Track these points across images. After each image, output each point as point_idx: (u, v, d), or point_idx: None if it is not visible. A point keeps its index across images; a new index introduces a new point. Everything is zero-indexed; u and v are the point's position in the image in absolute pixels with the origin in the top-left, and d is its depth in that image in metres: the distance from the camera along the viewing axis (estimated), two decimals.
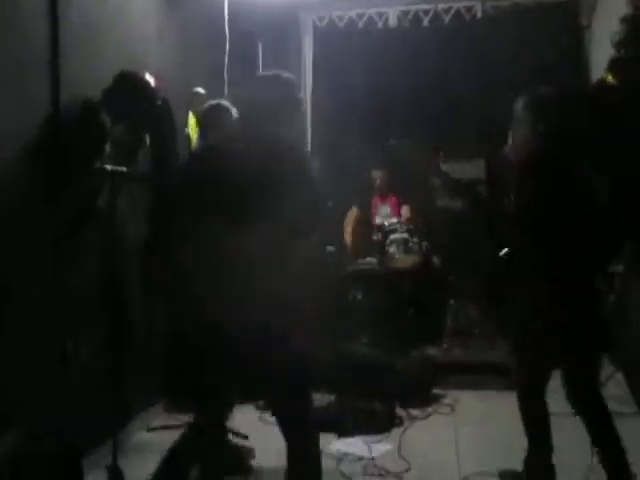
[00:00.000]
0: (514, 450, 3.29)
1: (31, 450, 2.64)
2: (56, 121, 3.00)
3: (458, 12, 5.92)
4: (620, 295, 4.24)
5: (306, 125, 4.69)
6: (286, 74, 2.52)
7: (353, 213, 5.49)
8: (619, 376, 3.92)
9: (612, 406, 3.79)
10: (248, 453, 3.38)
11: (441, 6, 5.91)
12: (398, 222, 4.94)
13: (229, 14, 4.55)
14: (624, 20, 3.95)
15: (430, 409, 3.95)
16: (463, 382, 3.89)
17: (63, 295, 2.99)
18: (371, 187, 5.69)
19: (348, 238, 5.32)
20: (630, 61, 3.94)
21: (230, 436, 3.42)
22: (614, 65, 4.06)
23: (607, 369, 4.09)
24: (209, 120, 3.37)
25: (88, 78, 3.21)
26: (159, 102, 3.47)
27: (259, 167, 2.29)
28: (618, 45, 4.02)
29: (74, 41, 3.09)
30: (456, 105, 5.23)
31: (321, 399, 4.01)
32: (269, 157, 2.31)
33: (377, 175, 5.60)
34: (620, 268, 4.17)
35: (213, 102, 3.45)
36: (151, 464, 3.20)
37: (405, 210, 5.19)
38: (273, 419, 3.79)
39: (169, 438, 3.32)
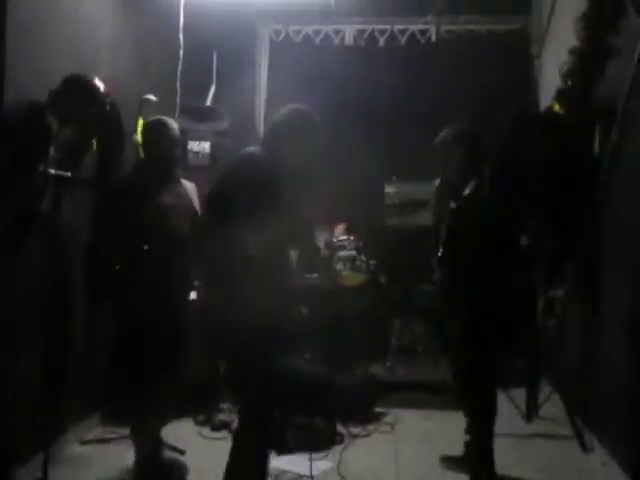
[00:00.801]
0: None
1: None
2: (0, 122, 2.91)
3: (413, 34, 6.02)
4: (560, 319, 4.34)
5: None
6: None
7: None
8: (556, 398, 3.99)
9: (549, 428, 3.92)
10: (183, 469, 3.30)
11: (397, 27, 6.00)
12: (347, 239, 4.94)
13: (185, 22, 4.51)
14: (572, 52, 4.07)
15: (371, 427, 3.94)
16: (405, 400, 3.90)
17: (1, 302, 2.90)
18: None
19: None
20: (576, 92, 4.07)
21: (166, 451, 3.36)
22: (561, 95, 4.18)
23: (545, 390, 4.19)
24: (148, 134, 3.44)
25: (36, 79, 3.13)
26: (107, 107, 3.41)
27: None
28: (565, 76, 4.15)
29: (21, 42, 3.01)
30: (408, 125, 5.28)
31: None
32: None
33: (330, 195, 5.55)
34: (561, 293, 4.27)
35: (154, 118, 3.49)
36: (83, 477, 3.15)
37: (340, 228, 5.14)
38: (212, 434, 3.81)
39: (103, 451, 3.28)
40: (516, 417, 4.00)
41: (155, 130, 3.40)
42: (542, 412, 4.09)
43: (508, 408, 4.02)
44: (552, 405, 4.07)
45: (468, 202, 3.24)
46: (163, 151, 3.36)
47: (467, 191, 3.27)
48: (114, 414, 3.79)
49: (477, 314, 3.16)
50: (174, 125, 3.44)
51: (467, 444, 3.39)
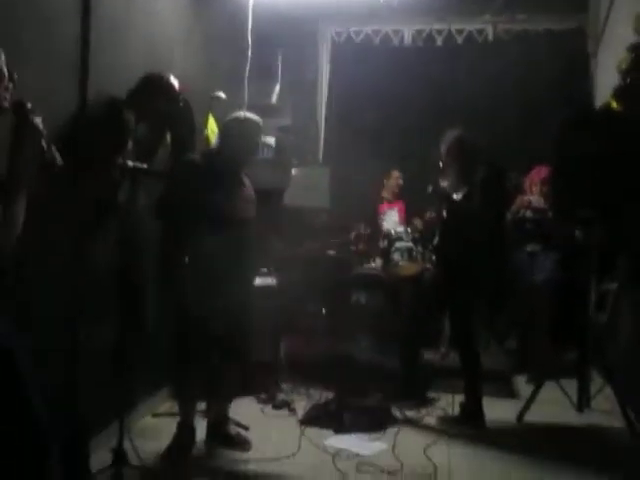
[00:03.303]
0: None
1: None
2: (83, 117, 3.14)
3: (470, 34, 6.11)
4: (612, 313, 4.37)
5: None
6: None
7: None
8: (608, 390, 4.03)
9: (601, 420, 3.96)
10: (247, 443, 3.51)
11: (454, 27, 6.10)
12: (404, 230, 5.08)
13: (252, 23, 4.72)
14: (630, 49, 4.10)
15: (424, 411, 4.05)
16: (458, 386, 3.99)
17: (82, 281, 3.14)
18: (379, 191, 5.77)
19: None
20: (635, 89, 4.09)
21: (232, 426, 3.57)
22: (619, 92, 4.21)
23: (596, 382, 4.24)
24: (230, 129, 3.48)
25: (116, 77, 3.34)
26: (181, 103, 3.63)
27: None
28: (623, 73, 4.18)
29: (103, 41, 3.22)
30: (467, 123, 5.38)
31: (319, 396, 4.17)
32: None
33: (395, 175, 5.69)
34: (613, 286, 4.31)
35: (238, 114, 3.56)
36: (154, 449, 3.36)
37: (418, 222, 5.29)
38: (274, 412, 4.01)
39: (173, 424, 3.50)
40: (568, 407, 4.06)
41: (249, 126, 3.46)
42: (593, 404, 4.14)
43: (560, 398, 4.08)
44: (603, 397, 4.12)
45: (458, 208, 3.72)
46: (250, 146, 3.49)
47: (457, 196, 3.68)
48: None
49: (461, 293, 3.81)
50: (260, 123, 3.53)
51: (462, 404, 3.94)
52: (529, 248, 4.90)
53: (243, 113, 3.58)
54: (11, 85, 1.96)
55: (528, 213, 4.82)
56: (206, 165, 3.38)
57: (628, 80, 4.15)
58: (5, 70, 1.94)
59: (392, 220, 5.51)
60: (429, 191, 3.91)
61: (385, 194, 5.73)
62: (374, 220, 5.58)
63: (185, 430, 3.41)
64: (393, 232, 5.06)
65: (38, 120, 1.95)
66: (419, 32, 6.21)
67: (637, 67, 4.05)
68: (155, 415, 3.87)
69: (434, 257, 4.30)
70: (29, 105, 1.95)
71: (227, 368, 3.51)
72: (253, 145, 3.52)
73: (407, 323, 4.15)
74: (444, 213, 3.80)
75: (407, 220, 5.47)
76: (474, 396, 3.87)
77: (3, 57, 1.98)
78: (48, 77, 2.85)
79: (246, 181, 3.55)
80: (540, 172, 4.92)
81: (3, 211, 1.72)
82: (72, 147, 3.02)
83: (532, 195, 4.95)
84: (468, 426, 3.80)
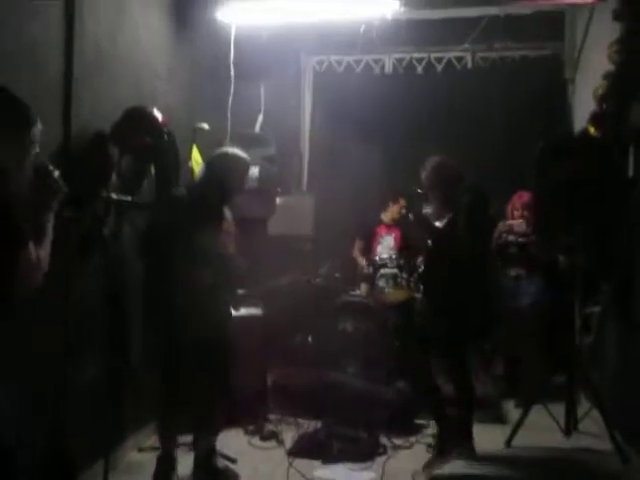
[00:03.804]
0: None
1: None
2: (67, 150, 3.15)
3: (450, 62, 6.22)
4: (597, 336, 4.42)
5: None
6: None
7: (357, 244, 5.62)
8: (595, 413, 4.05)
9: (589, 443, 3.98)
10: (235, 476, 3.48)
11: (434, 55, 6.21)
12: (389, 257, 5.11)
13: (234, 53, 4.78)
14: (606, 76, 4.20)
15: (413, 439, 4.04)
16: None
17: (68, 315, 3.12)
18: (378, 213, 5.70)
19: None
20: (610, 115, 4.19)
21: (219, 459, 3.54)
22: (596, 118, 4.30)
23: (584, 405, 4.26)
24: (216, 165, 3.54)
25: (99, 110, 3.36)
26: (165, 136, 3.65)
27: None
28: (600, 99, 4.28)
29: (87, 74, 3.24)
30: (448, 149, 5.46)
31: (307, 425, 4.15)
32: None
33: (401, 202, 5.43)
34: (597, 309, 4.36)
35: (225, 150, 3.64)
36: None
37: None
38: (261, 444, 3.98)
39: None
40: (555, 431, 4.07)
41: (233, 161, 3.52)
42: (581, 427, 4.15)
43: (547, 422, 4.09)
44: (591, 420, 4.14)
45: (442, 236, 3.68)
46: (236, 183, 3.53)
47: (440, 224, 3.68)
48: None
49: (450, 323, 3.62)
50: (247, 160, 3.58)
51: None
52: (513, 272, 4.94)
53: (231, 149, 3.61)
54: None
55: (511, 237, 4.87)
56: (191, 200, 3.39)
57: (604, 106, 4.25)
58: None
59: (388, 245, 5.45)
60: (410, 219, 3.92)
61: (385, 218, 5.59)
62: (368, 241, 5.55)
63: (164, 462, 3.38)
64: (378, 259, 5.09)
65: (57, 175, 2.20)
66: (399, 61, 6.31)
67: (612, 94, 4.15)
68: (141, 450, 3.83)
69: (421, 286, 4.29)
70: (50, 167, 2.20)
71: (212, 400, 3.48)
72: (239, 182, 3.55)
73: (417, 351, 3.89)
74: (429, 242, 3.81)
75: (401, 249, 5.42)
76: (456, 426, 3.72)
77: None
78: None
79: (227, 214, 3.58)
80: (522, 197, 4.98)
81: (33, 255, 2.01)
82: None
83: (514, 220, 5.00)
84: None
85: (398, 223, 5.50)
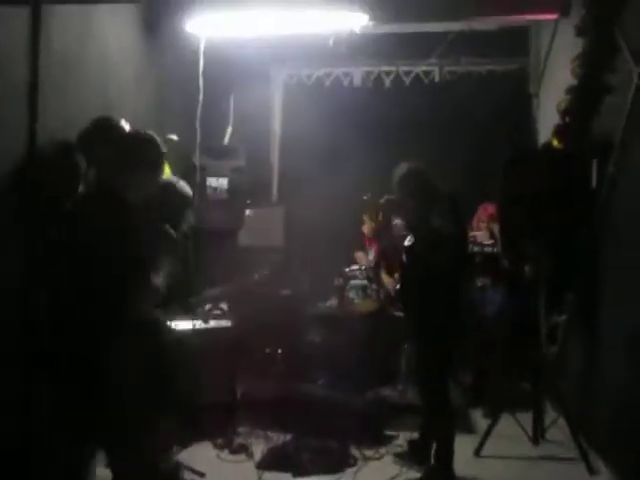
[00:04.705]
0: None
1: None
2: (32, 160, 3.11)
3: (418, 75, 6.31)
4: (562, 345, 4.48)
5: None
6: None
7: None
8: (561, 421, 4.10)
9: (555, 451, 4.03)
10: None
11: (402, 69, 6.30)
12: (358, 269, 5.14)
13: (204, 65, 4.78)
14: (569, 90, 4.29)
15: (383, 449, 4.04)
16: (415, 423, 3.99)
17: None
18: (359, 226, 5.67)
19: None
20: (573, 128, 4.27)
21: (186, 473, 3.49)
22: (559, 131, 4.39)
23: (550, 415, 4.31)
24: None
25: (66, 119, 3.34)
26: None
27: None
28: (563, 112, 4.36)
29: (53, 84, 3.22)
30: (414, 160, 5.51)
31: (277, 438, 4.12)
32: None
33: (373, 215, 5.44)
34: (562, 319, 4.42)
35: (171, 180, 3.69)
36: None
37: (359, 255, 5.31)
38: (231, 457, 3.93)
39: None
40: (523, 440, 4.11)
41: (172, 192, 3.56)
42: (548, 435, 4.20)
43: (515, 431, 4.12)
44: (558, 428, 4.18)
45: (412, 252, 3.65)
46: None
47: (410, 240, 3.66)
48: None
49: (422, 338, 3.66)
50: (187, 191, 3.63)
51: (410, 442, 3.95)
52: (479, 282, 5.00)
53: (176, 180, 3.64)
54: None
55: (476, 248, 4.93)
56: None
57: (567, 119, 4.34)
58: None
59: (369, 259, 5.48)
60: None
61: (367, 231, 5.58)
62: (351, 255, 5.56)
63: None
64: (348, 270, 5.11)
65: None
66: (368, 74, 6.38)
67: (574, 108, 4.24)
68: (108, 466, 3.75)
69: (399, 303, 4.27)
70: None
71: (167, 416, 3.41)
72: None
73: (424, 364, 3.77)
74: (403, 258, 3.75)
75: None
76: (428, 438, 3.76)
77: None
78: None
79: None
80: (487, 209, 5.07)
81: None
82: (22, 190, 3.00)
83: (479, 231, 5.08)
84: (410, 467, 3.77)
85: (376, 236, 5.53)
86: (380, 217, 5.21)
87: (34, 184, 3.06)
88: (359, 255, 5.58)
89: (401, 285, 3.91)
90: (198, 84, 4.48)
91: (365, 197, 4.10)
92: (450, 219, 3.52)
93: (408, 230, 3.75)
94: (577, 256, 4.05)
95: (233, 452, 4.01)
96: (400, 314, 4.53)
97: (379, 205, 4.35)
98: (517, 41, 5.85)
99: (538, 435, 4.12)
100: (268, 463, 3.79)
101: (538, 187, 4.02)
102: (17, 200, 2.99)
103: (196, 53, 4.72)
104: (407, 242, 3.68)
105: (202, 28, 4.70)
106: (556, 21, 4.88)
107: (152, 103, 4.49)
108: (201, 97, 4.42)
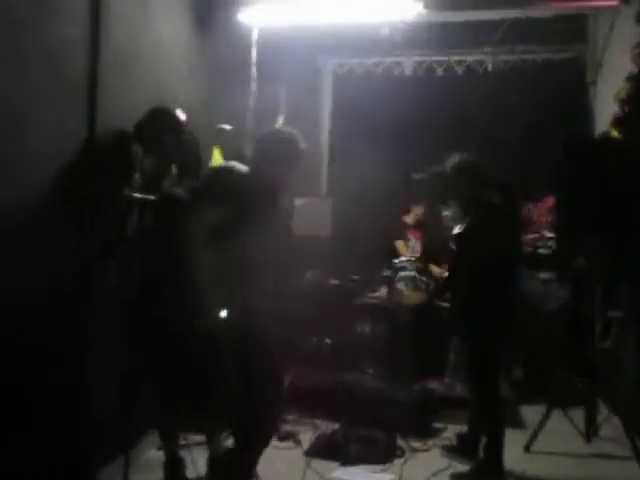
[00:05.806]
0: None
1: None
2: (91, 150, 3.19)
3: (470, 65, 6.20)
4: (616, 340, 4.37)
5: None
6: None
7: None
8: (615, 419, 4.01)
9: (608, 449, 3.94)
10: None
11: (454, 59, 6.20)
12: (408, 260, 5.11)
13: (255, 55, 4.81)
14: (629, 79, 4.16)
15: (430, 442, 4.03)
16: (463, 416, 3.97)
17: (93, 315, 3.16)
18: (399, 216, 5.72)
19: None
20: (633, 118, 4.15)
21: None
22: (618, 120, 4.27)
23: (603, 413, 4.22)
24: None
25: (123, 110, 3.40)
26: (187, 136, 3.68)
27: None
28: (622, 102, 4.24)
29: (111, 75, 3.28)
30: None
31: (326, 427, 4.15)
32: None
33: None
34: (618, 314, 4.31)
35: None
36: None
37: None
38: (279, 444, 3.97)
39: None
40: (575, 437, 4.04)
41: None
42: (601, 433, 4.12)
43: (566, 428, 4.06)
44: (610, 426, 4.10)
45: (462, 240, 3.59)
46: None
47: (460, 228, 3.60)
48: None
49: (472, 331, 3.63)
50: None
51: (459, 435, 3.94)
52: (542, 276, 4.93)
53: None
54: None
55: (540, 242, 4.86)
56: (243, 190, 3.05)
57: (626, 109, 4.21)
58: None
59: (413, 248, 5.47)
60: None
61: (411, 222, 5.60)
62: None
63: (169, 468, 3.36)
64: (397, 261, 5.09)
65: None
66: (419, 63, 6.30)
67: (635, 97, 4.11)
68: (160, 448, 3.83)
69: (448, 293, 4.24)
70: None
71: (210, 401, 3.41)
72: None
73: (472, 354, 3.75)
74: (452, 246, 3.72)
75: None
76: (477, 432, 3.76)
77: None
78: (56, 110, 2.90)
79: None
80: (547, 203, 4.99)
81: None
82: (80, 179, 3.08)
83: (541, 225, 5.00)
84: (459, 461, 3.76)
85: (420, 226, 5.51)
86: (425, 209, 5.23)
87: (93, 174, 3.16)
88: (400, 244, 5.55)
89: (449, 275, 3.88)
90: (250, 74, 4.51)
91: (415, 176, 4.03)
92: (501, 210, 3.48)
93: (464, 213, 3.68)
94: (636, 250, 3.93)
95: (281, 439, 4.05)
96: (448, 306, 4.51)
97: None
98: (574, 28, 5.67)
99: (590, 432, 4.05)
100: (316, 451, 3.83)
101: (597, 178, 3.91)
102: (77, 189, 3.08)
103: (248, 43, 4.76)
104: (456, 230, 3.64)
105: (254, 18, 4.74)
106: (616, 8, 4.74)
107: (205, 93, 4.53)
108: (254, 87, 4.45)
